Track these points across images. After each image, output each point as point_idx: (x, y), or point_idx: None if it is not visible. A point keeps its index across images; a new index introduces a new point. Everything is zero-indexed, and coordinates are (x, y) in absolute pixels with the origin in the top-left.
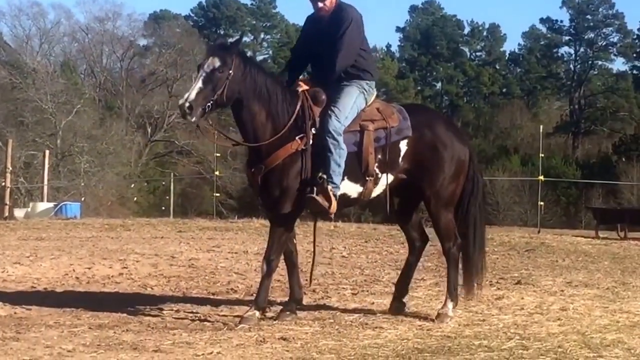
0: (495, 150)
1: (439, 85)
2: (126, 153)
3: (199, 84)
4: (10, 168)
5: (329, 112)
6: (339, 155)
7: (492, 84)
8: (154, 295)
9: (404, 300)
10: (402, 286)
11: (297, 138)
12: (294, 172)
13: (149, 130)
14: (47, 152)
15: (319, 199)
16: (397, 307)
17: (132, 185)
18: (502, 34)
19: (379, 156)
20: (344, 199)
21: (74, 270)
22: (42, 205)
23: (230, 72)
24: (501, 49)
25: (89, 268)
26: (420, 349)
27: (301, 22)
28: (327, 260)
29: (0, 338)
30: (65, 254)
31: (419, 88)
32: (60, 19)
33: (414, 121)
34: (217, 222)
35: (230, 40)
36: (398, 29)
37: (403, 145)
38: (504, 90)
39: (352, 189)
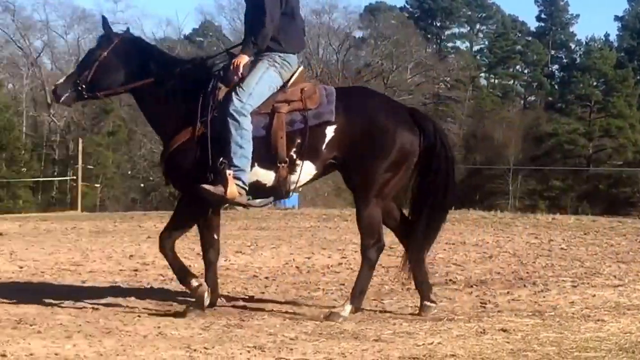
0: None
1: None
2: None
3: (73, 68)
4: None
5: (233, 91)
6: (241, 136)
7: None
8: (373, 284)
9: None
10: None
11: (199, 122)
12: (189, 158)
13: None
14: None
15: (208, 187)
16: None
17: None
18: None
19: (298, 141)
20: (258, 187)
21: (294, 259)
22: None
23: (105, 54)
24: None
25: (309, 257)
26: None
27: (517, 13)
28: (546, 252)
29: (225, 325)
30: (285, 244)
31: (638, 78)
32: None
33: (343, 105)
34: None
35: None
36: (616, 18)
37: (329, 131)
38: None
39: (265, 176)
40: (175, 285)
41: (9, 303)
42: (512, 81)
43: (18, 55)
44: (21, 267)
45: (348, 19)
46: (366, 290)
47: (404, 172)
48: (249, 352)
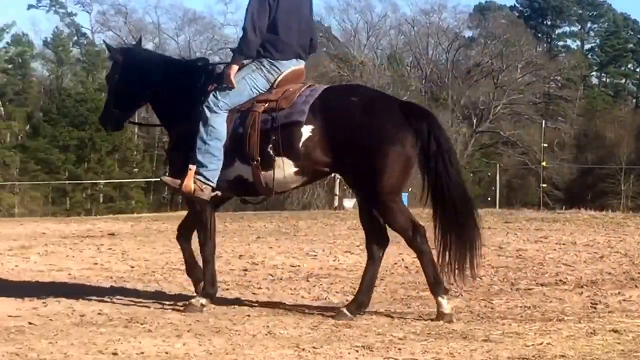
0: None
1: None
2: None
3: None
4: None
5: (213, 90)
6: (207, 132)
7: None
8: (482, 284)
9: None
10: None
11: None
12: (179, 153)
13: (474, 121)
14: None
15: (167, 179)
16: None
17: None
18: None
19: (273, 139)
20: (240, 182)
21: (402, 259)
22: None
23: (116, 76)
24: None
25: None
26: None
27: (629, 11)
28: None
29: (334, 325)
30: (394, 243)
31: None
32: (387, 12)
33: (322, 106)
34: (544, 213)
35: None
36: None
37: (304, 132)
38: None
39: (245, 172)
40: (284, 285)
41: (121, 302)
42: (623, 80)
43: None
44: (132, 267)
45: (457, 19)
46: (439, 275)
47: (402, 169)
48: (357, 351)
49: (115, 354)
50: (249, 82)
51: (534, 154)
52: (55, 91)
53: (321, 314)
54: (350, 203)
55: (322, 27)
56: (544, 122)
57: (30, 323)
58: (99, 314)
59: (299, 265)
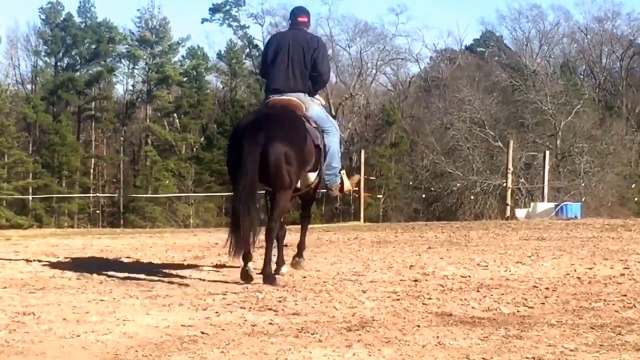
0: None
1: None
2: (626, 153)
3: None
4: (511, 169)
5: None
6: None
7: None
8: None
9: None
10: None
11: None
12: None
13: None
14: (547, 152)
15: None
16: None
17: (633, 186)
18: None
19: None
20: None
21: (575, 270)
22: (543, 206)
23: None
24: None
25: (590, 268)
26: None
27: None
28: None
29: (504, 336)
30: (566, 254)
31: None
32: (560, 20)
33: None
34: None
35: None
36: None
37: None
38: None
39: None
40: (454, 296)
41: (291, 312)
42: None
43: None
44: (304, 277)
45: (631, 26)
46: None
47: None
48: None
49: None
50: None
51: None
52: (229, 103)
53: (491, 325)
54: (522, 213)
55: (493, 36)
56: None
57: (202, 332)
58: (270, 323)
59: (469, 276)
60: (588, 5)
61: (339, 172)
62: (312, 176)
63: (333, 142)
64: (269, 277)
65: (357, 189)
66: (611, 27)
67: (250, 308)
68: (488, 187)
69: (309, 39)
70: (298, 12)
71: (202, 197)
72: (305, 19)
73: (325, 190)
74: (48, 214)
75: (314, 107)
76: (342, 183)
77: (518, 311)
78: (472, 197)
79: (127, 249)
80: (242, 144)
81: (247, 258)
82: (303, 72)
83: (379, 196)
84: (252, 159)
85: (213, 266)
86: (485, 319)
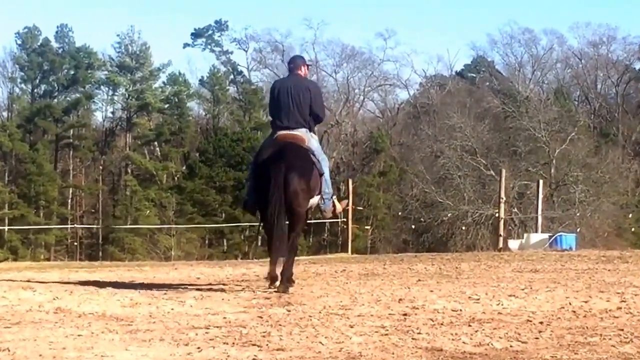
0: None
1: None
2: (623, 181)
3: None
4: (504, 198)
5: None
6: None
7: None
8: None
9: None
10: None
11: None
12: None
13: None
14: (541, 181)
15: (328, 208)
16: None
17: (630, 215)
18: None
19: None
20: None
21: (570, 303)
22: (536, 236)
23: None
24: None
25: (586, 301)
26: None
27: None
28: None
29: None
30: (561, 287)
31: None
32: (553, 44)
33: None
34: None
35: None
36: None
37: None
38: None
39: None
40: (445, 330)
41: (276, 348)
42: None
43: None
44: (289, 311)
45: (627, 50)
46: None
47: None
48: None
49: None
50: None
51: None
52: (212, 131)
53: None
54: (515, 244)
55: (485, 61)
56: None
57: None
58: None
59: (460, 310)
60: (582, 29)
61: (331, 197)
62: (315, 199)
63: (325, 170)
64: (287, 281)
65: (345, 219)
66: (606, 52)
67: (234, 343)
68: (480, 217)
69: (306, 85)
70: (298, 63)
71: (184, 228)
72: (304, 68)
73: (313, 221)
74: (24, 245)
75: (312, 140)
76: (334, 206)
77: (511, 346)
78: (463, 228)
79: (105, 282)
80: (268, 174)
81: (273, 278)
82: (303, 112)
83: (367, 227)
84: (277, 185)
85: (195, 299)
86: (477, 354)
